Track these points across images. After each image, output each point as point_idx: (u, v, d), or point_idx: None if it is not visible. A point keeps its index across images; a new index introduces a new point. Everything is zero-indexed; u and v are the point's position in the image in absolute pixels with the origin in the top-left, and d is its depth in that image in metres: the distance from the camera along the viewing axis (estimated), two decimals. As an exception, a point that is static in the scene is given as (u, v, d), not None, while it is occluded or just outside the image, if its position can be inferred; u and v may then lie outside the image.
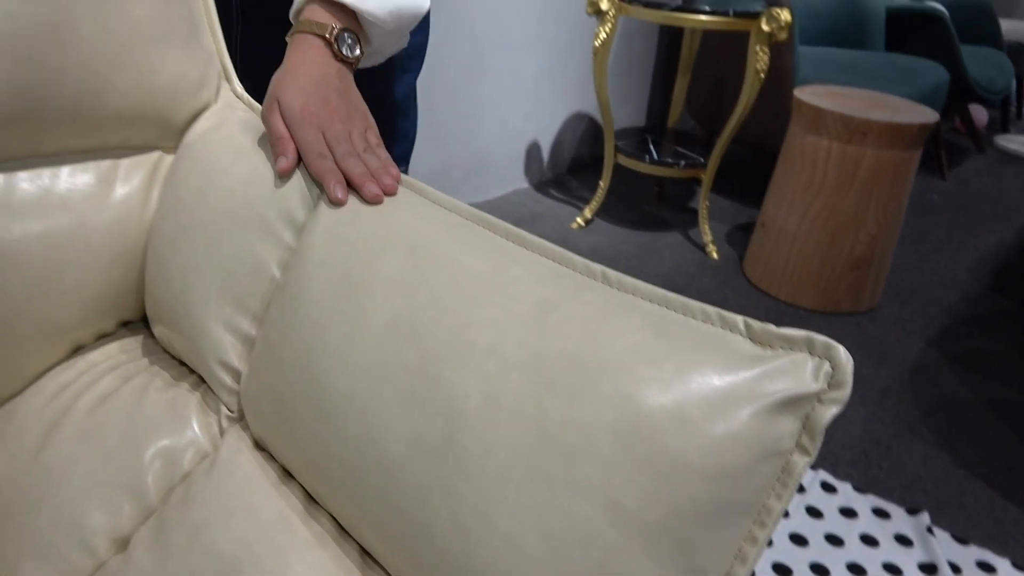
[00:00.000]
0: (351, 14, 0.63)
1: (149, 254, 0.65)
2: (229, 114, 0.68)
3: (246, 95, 0.71)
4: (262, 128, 0.66)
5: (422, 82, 0.92)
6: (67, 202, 0.63)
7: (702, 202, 2.17)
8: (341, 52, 0.61)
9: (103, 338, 0.69)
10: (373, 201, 0.54)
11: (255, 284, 0.57)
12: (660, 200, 2.55)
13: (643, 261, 2.11)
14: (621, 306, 0.42)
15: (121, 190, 0.65)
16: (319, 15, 0.61)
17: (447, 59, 2.08)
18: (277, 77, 0.60)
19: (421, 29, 0.87)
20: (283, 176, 0.58)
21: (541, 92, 2.48)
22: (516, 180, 2.55)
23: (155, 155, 0.68)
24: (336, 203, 0.54)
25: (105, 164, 0.65)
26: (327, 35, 0.60)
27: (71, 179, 0.63)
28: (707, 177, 2.12)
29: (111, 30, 0.60)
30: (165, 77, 0.65)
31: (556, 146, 2.66)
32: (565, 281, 0.44)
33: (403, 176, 0.57)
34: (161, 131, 0.67)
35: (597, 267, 0.45)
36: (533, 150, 2.57)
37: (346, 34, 0.61)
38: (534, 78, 2.42)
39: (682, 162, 2.11)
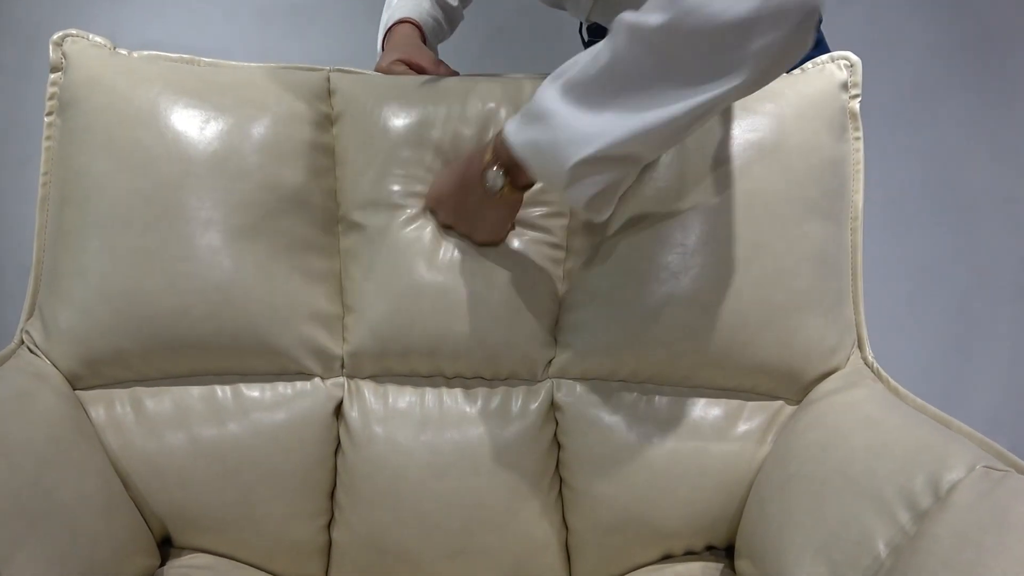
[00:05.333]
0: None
1: (753, 492, 0.69)
2: (856, 380, 0.71)
3: (876, 364, 0.73)
4: (889, 400, 0.67)
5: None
6: (697, 428, 0.73)
7: None
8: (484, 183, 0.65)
9: (689, 555, 0.75)
10: None
11: (856, 556, 0.55)
12: None
13: None
14: None
15: (742, 428, 0.73)
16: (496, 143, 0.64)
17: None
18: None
19: None
20: None
21: None
22: None
23: (777, 404, 0.74)
24: None
25: (734, 403, 0.74)
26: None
27: (704, 410, 0.74)
28: None
29: (769, 298, 0.70)
30: (804, 339, 0.72)
31: None
32: None
33: None
34: (788, 384, 0.73)
35: None
36: None
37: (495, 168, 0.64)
38: None
39: None
